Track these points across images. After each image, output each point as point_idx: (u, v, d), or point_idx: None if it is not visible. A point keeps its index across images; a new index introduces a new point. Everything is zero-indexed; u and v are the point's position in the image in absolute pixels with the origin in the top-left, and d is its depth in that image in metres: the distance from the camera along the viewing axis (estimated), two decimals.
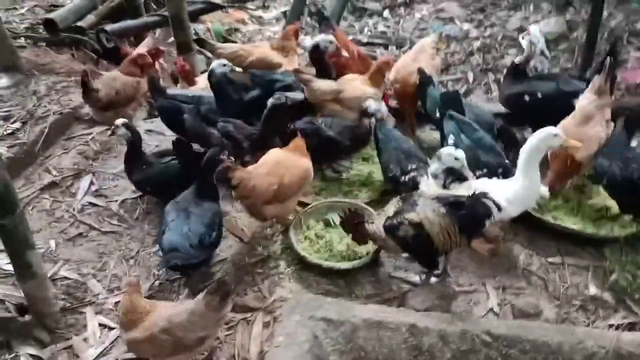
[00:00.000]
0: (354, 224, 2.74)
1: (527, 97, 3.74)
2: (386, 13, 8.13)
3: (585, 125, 3.16)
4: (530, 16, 7.77)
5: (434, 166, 2.94)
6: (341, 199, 3.33)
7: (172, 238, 2.66)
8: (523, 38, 4.27)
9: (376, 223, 2.66)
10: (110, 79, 3.83)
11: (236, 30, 6.85)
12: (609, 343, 2.38)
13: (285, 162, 2.98)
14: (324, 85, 3.63)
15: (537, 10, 7.93)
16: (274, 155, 3.04)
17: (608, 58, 3.33)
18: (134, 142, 3.23)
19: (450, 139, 3.22)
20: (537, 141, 2.79)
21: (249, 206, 2.93)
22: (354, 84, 3.67)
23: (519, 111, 3.88)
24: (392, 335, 2.51)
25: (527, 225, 3.10)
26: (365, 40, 7.28)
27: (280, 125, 3.35)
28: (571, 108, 3.31)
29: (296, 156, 3.03)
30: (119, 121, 3.21)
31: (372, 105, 3.36)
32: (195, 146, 3.30)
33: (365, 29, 7.70)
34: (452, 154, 2.86)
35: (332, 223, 3.15)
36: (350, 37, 7.27)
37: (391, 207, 2.66)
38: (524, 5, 8.11)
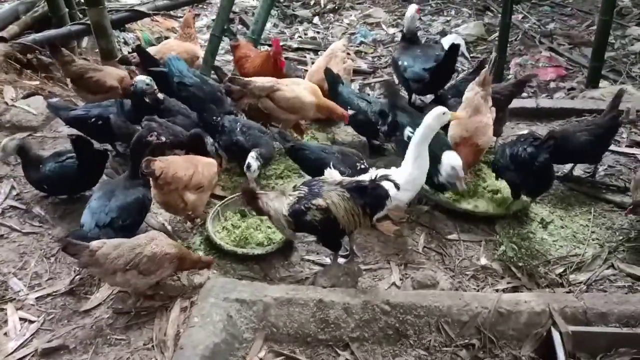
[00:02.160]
0: (251, 196, 2.90)
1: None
2: (316, 19, 8.41)
3: (478, 114, 3.48)
4: (451, 20, 8.23)
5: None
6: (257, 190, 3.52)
7: (85, 215, 2.88)
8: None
9: (271, 203, 2.85)
10: None
11: (166, 38, 6.92)
12: (491, 304, 2.66)
13: (193, 158, 3.26)
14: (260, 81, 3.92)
15: (458, 15, 8.41)
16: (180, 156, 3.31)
17: (494, 54, 3.71)
18: (23, 147, 3.41)
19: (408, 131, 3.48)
20: (431, 120, 3.07)
21: (170, 193, 3.05)
22: (293, 87, 3.95)
23: None
24: (301, 311, 2.71)
25: (430, 207, 3.39)
26: (295, 45, 7.51)
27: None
28: None
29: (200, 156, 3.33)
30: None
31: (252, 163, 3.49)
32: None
33: (296, 35, 7.94)
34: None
35: (249, 213, 3.35)
36: (281, 43, 7.55)
37: (292, 193, 2.85)
38: (445, 10, 8.58)
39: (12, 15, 5.49)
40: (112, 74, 4.18)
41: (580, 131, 3.52)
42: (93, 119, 3.66)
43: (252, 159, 3.43)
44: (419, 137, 3.07)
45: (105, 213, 2.93)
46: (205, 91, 4.05)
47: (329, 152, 3.45)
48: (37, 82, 4.91)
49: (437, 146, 3.22)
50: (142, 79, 3.74)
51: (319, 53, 7.43)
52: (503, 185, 3.45)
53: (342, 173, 3.09)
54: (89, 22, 5.25)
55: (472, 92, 3.52)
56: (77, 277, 2.99)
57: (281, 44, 7.43)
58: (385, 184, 2.77)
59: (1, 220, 3.32)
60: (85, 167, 3.33)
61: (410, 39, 4.60)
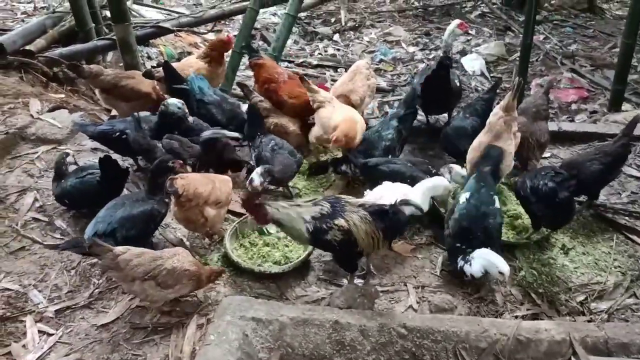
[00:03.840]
0: (254, 204, 2.82)
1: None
2: (336, 37, 8.49)
3: (499, 140, 3.43)
4: (472, 39, 8.24)
5: (447, 176, 3.43)
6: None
7: (90, 224, 2.97)
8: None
9: (285, 211, 2.79)
10: None
11: (189, 53, 7.03)
12: (510, 331, 2.63)
13: (209, 175, 3.35)
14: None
15: (479, 34, 8.42)
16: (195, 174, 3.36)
17: (518, 78, 3.68)
18: (58, 160, 3.51)
19: None
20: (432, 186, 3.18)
21: (191, 209, 3.07)
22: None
23: None
24: (317, 332, 2.70)
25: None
26: (315, 62, 7.58)
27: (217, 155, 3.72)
28: None
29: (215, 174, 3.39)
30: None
31: (255, 178, 3.51)
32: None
33: (316, 52, 8.02)
34: (460, 173, 3.42)
35: (266, 232, 3.36)
36: (301, 60, 7.63)
37: (312, 207, 2.81)
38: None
39: (40, 29, 5.62)
40: (145, 81, 4.32)
41: (590, 160, 3.43)
42: (117, 134, 3.71)
43: (256, 175, 3.47)
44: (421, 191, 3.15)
45: (108, 223, 2.98)
46: (224, 109, 4.11)
47: (402, 164, 3.56)
48: (63, 95, 5.01)
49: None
50: (175, 102, 3.83)
51: (338, 70, 7.51)
52: (524, 211, 3.41)
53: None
54: (114, 37, 5.37)
55: (495, 116, 3.48)
56: (96, 290, 3.01)
57: (301, 60, 7.58)
58: (407, 209, 2.78)
59: (23, 232, 3.36)
60: (107, 184, 3.38)
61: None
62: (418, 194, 3.02)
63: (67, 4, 6.09)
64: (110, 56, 6.24)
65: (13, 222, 3.44)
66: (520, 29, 7.70)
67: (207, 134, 3.75)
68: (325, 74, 7.31)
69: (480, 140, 3.45)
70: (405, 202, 2.80)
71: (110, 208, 3.08)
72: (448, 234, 3.06)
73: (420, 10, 9.26)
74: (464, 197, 3.06)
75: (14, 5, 6.54)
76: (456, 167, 3.47)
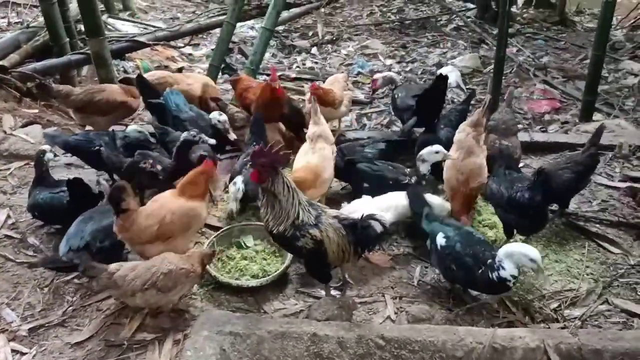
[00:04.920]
0: (272, 158, 2.73)
1: None
2: (314, 50, 8.54)
3: (472, 156, 3.48)
4: (447, 52, 8.36)
5: (423, 167, 3.46)
6: (253, 222, 3.54)
7: (62, 242, 2.95)
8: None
9: (286, 192, 2.75)
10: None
11: (166, 67, 7.01)
12: (485, 339, 2.65)
13: (170, 204, 3.01)
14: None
15: (454, 47, 8.55)
16: (159, 198, 3.11)
17: (488, 96, 3.77)
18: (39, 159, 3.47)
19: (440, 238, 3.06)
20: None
21: (129, 240, 2.98)
22: None
23: None
24: (295, 345, 2.68)
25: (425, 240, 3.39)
26: (293, 75, 7.62)
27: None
28: None
29: (183, 199, 3.05)
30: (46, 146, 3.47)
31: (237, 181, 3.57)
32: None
33: (294, 65, 8.06)
34: (433, 150, 3.39)
35: (244, 245, 3.35)
36: (279, 73, 7.65)
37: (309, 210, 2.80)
38: (442, 42, 8.73)
39: (13, 44, 5.57)
40: (117, 90, 4.31)
41: (562, 169, 3.47)
42: (94, 147, 3.68)
43: (239, 179, 3.53)
44: None
45: (80, 237, 2.96)
46: (199, 125, 4.10)
47: (384, 166, 3.65)
48: (36, 111, 4.96)
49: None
50: (133, 129, 3.88)
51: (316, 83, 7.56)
52: (499, 221, 3.46)
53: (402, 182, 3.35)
54: (89, 51, 5.34)
55: (463, 133, 3.54)
56: (70, 308, 2.96)
57: (279, 73, 7.61)
58: (376, 225, 2.80)
59: None
60: (75, 205, 3.31)
61: None
62: (402, 204, 3.06)
63: (41, 19, 6.04)
64: (85, 70, 6.20)
65: None
66: (494, 42, 7.86)
67: (184, 135, 3.68)
68: (303, 86, 7.34)
69: (453, 157, 3.48)
70: (371, 217, 2.83)
71: (79, 223, 3.06)
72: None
73: (396, 23, 9.38)
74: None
75: None
76: (425, 151, 3.48)
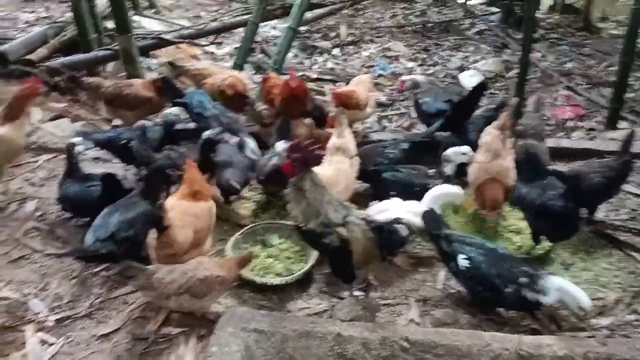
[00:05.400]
0: (308, 155, 2.76)
1: None
2: (335, 51, 8.53)
3: (499, 158, 3.45)
4: (470, 56, 8.31)
5: (448, 167, 3.45)
6: (277, 220, 3.55)
7: (88, 233, 2.96)
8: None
9: (317, 190, 2.76)
10: None
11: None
12: (511, 345, 2.63)
13: (191, 210, 3.01)
14: None
15: (477, 51, 8.49)
16: (175, 206, 3.00)
17: (514, 99, 3.74)
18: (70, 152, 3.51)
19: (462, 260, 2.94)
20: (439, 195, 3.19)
21: (168, 256, 2.93)
22: None
23: None
24: (319, 344, 2.68)
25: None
26: (314, 76, 7.62)
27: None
28: None
29: (196, 202, 3.06)
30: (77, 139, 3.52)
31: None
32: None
33: (315, 66, 8.05)
34: (460, 150, 3.37)
35: (268, 243, 3.37)
36: (300, 73, 7.66)
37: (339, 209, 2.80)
38: (464, 46, 8.68)
39: (42, 38, 5.64)
40: (145, 86, 4.37)
41: (593, 173, 3.43)
42: (123, 142, 3.73)
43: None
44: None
45: (106, 229, 2.97)
46: (223, 123, 4.09)
47: (407, 172, 3.62)
48: (64, 105, 5.01)
49: None
50: (171, 112, 3.86)
51: (337, 84, 7.55)
52: (525, 226, 3.42)
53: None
54: (115, 48, 5.41)
55: (490, 135, 3.52)
56: (97, 300, 3.00)
57: (300, 74, 7.63)
58: (401, 228, 2.80)
59: (24, 241, 3.35)
60: (106, 201, 3.33)
61: None
62: (425, 207, 3.04)
63: (69, 14, 6.12)
64: (110, 66, 6.26)
65: (13, 231, 3.42)
66: (518, 47, 7.80)
67: (206, 133, 3.72)
68: (323, 87, 7.34)
69: (479, 160, 3.47)
70: (398, 221, 2.83)
71: (105, 215, 3.07)
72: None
73: (419, 26, 9.34)
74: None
75: (16, 15, 6.56)
76: (450, 151, 3.50)
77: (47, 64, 5.32)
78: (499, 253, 2.89)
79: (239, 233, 3.39)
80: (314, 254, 3.19)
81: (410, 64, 8.12)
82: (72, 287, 3.09)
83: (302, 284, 3.15)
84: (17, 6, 6.89)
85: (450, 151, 3.42)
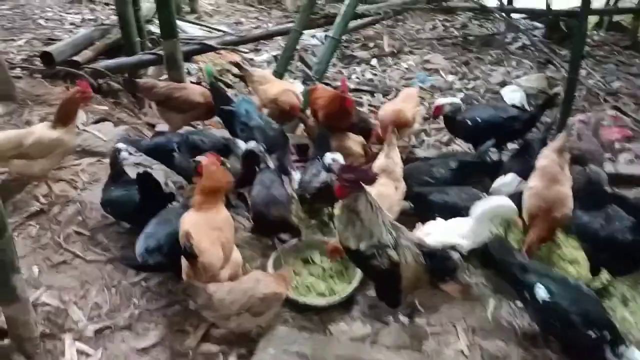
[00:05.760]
0: (360, 175, 2.69)
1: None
2: (374, 62, 8.44)
3: (556, 184, 3.28)
4: (512, 71, 8.12)
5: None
6: (321, 237, 3.46)
7: (139, 241, 2.93)
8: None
9: (369, 210, 2.66)
10: None
11: (227, 71, 7.06)
12: None
13: (212, 222, 2.82)
14: None
15: (519, 66, 8.30)
16: (196, 222, 2.78)
17: (576, 120, 3.57)
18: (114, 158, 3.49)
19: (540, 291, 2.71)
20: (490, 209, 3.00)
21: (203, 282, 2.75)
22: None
23: None
24: None
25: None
26: (352, 86, 7.53)
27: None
28: None
29: (213, 212, 2.86)
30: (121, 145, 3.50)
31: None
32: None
33: (353, 76, 7.98)
34: (505, 182, 3.33)
35: (311, 261, 3.27)
36: (338, 83, 7.58)
37: (390, 231, 2.69)
38: (506, 60, 8.50)
39: (87, 40, 5.68)
40: (196, 91, 4.34)
41: None
42: (169, 149, 3.72)
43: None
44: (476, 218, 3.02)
45: (156, 238, 2.92)
46: (267, 135, 4.02)
47: (454, 193, 3.44)
48: (106, 107, 5.02)
49: None
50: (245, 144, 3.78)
51: (375, 95, 7.46)
52: (582, 256, 3.25)
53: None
54: (159, 52, 5.40)
55: (546, 159, 3.35)
56: (137, 311, 2.94)
57: (338, 83, 7.53)
58: (455, 255, 2.68)
59: (65, 246, 3.32)
60: (146, 201, 3.30)
61: None
62: (475, 227, 2.90)
63: (113, 17, 6.16)
64: (150, 70, 6.27)
65: (55, 235, 3.40)
66: (562, 63, 7.59)
67: (249, 145, 3.63)
68: (361, 98, 7.25)
69: (536, 185, 3.30)
70: (452, 248, 2.71)
71: (156, 224, 3.03)
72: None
73: (459, 39, 9.19)
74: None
75: (62, 16, 6.65)
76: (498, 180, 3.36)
77: (91, 66, 5.33)
78: (583, 292, 2.66)
79: (280, 249, 3.30)
80: (358, 274, 3.08)
81: (450, 77, 7.98)
82: (111, 296, 3.04)
83: (345, 305, 3.03)
84: (63, 7, 6.98)
85: (496, 185, 3.26)
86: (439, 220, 3.11)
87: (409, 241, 2.70)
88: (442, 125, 6.42)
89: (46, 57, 5.06)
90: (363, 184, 2.65)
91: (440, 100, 4.74)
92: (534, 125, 4.07)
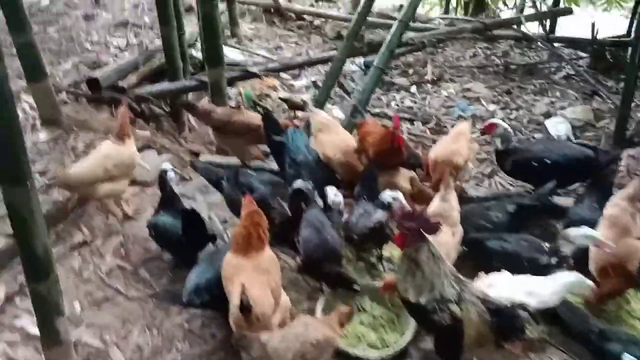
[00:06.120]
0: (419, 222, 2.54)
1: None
2: (413, 89, 8.30)
3: (628, 235, 3.08)
4: (556, 102, 7.89)
5: (567, 248, 3.01)
6: (370, 281, 3.29)
7: (188, 279, 2.90)
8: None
9: (432, 260, 2.51)
10: None
11: (267, 95, 7.01)
12: None
13: (260, 266, 2.69)
14: None
15: (564, 97, 8.06)
16: (239, 268, 2.66)
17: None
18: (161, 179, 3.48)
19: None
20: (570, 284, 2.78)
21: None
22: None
23: None
24: None
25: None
26: (391, 113, 7.41)
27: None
28: None
29: (257, 253, 2.71)
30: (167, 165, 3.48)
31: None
32: None
33: (392, 103, 7.85)
34: (583, 233, 2.99)
35: (361, 308, 3.11)
36: (377, 110, 7.48)
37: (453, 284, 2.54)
38: (550, 90, 8.26)
39: (132, 65, 5.68)
40: (253, 115, 4.39)
41: None
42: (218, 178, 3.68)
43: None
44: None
45: (206, 278, 2.83)
46: (314, 173, 3.84)
47: (515, 241, 3.25)
48: (148, 133, 4.98)
49: None
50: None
51: (414, 123, 7.31)
52: None
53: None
54: (202, 78, 5.37)
55: (617, 208, 3.15)
56: (179, 356, 2.82)
57: (377, 110, 7.43)
58: (523, 314, 2.49)
59: (108, 282, 3.24)
60: (188, 236, 3.23)
61: None
62: (548, 293, 2.70)
63: (157, 42, 6.17)
64: (190, 96, 6.25)
65: (98, 269, 3.33)
66: (609, 95, 7.35)
67: (296, 184, 3.43)
68: (400, 126, 7.11)
69: (606, 237, 3.05)
70: (521, 306, 2.53)
71: (207, 261, 2.98)
72: None
73: (501, 67, 9.00)
74: None
75: (107, 40, 6.71)
76: (573, 231, 3.07)
77: (135, 91, 5.32)
78: None
79: (328, 292, 3.15)
80: (412, 324, 2.90)
81: (492, 107, 7.79)
82: (153, 338, 2.93)
83: (398, 359, 2.86)
84: (109, 31, 7.05)
85: (572, 232, 3.03)
86: (504, 272, 2.91)
87: (473, 296, 2.52)
88: (484, 155, 6.31)
89: (93, 82, 5.06)
90: (425, 234, 2.49)
91: (496, 120, 4.48)
92: (606, 166, 3.82)
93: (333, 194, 3.36)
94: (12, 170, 2.12)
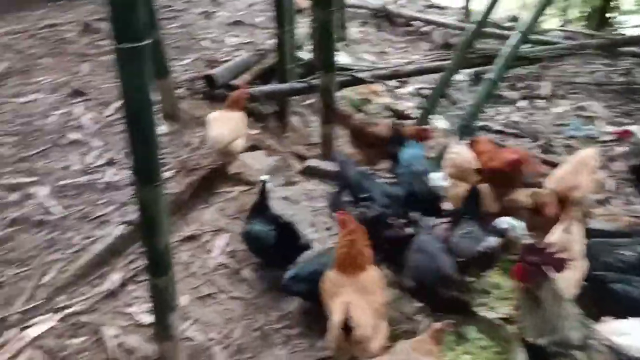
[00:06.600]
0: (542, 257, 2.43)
1: None
2: (522, 103, 7.91)
3: None
4: None
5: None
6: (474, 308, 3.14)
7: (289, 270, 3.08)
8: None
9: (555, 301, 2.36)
10: None
11: (368, 101, 6.95)
12: None
13: (363, 287, 2.65)
14: None
15: None
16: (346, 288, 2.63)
17: None
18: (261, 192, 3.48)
19: None
20: None
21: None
22: None
23: None
24: None
25: None
26: (496, 127, 7.10)
27: None
28: None
29: (362, 272, 2.68)
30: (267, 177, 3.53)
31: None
32: None
33: (498, 117, 7.51)
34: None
35: (465, 336, 2.97)
36: (482, 123, 7.17)
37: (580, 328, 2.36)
38: None
39: (245, 65, 5.85)
40: (383, 127, 4.44)
41: None
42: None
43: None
44: None
45: (306, 270, 2.99)
46: (412, 187, 3.63)
47: None
48: (257, 132, 5.09)
49: None
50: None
51: (520, 139, 6.94)
52: None
53: None
54: (311, 82, 5.40)
55: None
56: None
57: (481, 123, 7.14)
58: None
59: (212, 278, 3.33)
60: (281, 247, 3.29)
61: None
62: None
63: (269, 42, 6.29)
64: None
65: (204, 264, 3.42)
66: None
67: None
68: (505, 141, 6.78)
69: None
70: None
71: (312, 256, 3.19)
72: None
73: (622, 86, 8.35)
74: None
75: (223, 39, 6.97)
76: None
77: (248, 89, 5.44)
78: None
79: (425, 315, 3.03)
80: (519, 358, 2.72)
81: (609, 128, 7.24)
82: (254, 340, 2.97)
83: None
84: (225, 29, 7.31)
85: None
86: (633, 321, 2.66)
87: (601, 343, 2.32)
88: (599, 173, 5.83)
89: (208, 79, 5.25)
90: (551, 270, 2.32)
91: (635, 128, 4.08)
92: None
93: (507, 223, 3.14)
94: (148, 170, 2.21)
